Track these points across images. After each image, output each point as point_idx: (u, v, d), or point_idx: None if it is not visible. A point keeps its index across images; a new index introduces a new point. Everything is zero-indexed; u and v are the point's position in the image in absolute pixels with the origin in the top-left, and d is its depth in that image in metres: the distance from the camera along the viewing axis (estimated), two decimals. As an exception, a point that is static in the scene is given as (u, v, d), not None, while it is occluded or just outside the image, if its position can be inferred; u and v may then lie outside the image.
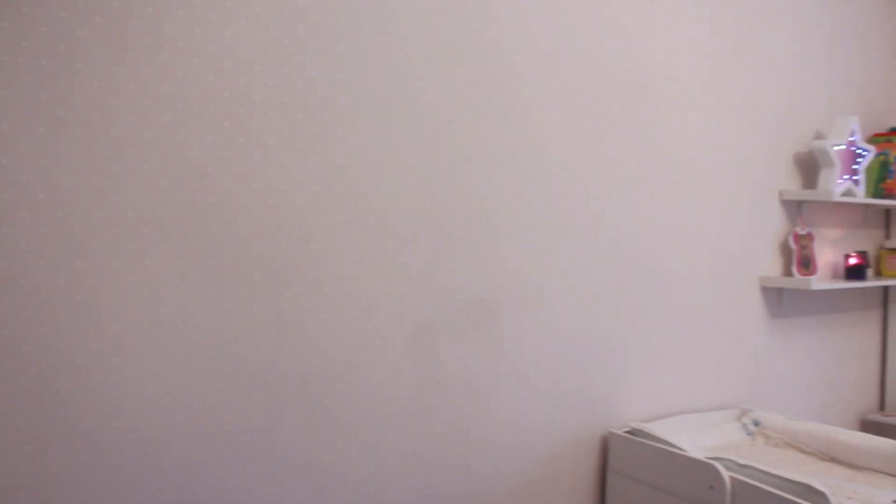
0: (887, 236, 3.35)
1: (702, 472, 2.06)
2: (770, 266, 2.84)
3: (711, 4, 2.63)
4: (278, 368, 1.77)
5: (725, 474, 2.00)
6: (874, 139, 3.16)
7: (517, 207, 2.15)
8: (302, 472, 1.82)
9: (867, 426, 3.24)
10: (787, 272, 2.86)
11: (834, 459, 2.42)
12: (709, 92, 2.63)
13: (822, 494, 1.85)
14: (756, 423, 2.62)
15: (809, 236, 2.85)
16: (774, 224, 2.85)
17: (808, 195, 2.83)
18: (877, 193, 3.05)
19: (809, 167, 2.94)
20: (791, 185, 2.90)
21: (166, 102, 1.60)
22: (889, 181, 3.07)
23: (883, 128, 3.28)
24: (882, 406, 3.38)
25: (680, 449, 2.15)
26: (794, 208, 2.91)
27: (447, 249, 2.02)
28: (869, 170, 2.99)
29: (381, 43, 1.89)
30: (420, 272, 1.98)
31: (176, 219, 1.63)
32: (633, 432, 2.34)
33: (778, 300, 2.87)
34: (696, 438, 2.47)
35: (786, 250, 2.86)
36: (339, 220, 1.84)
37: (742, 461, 2.06)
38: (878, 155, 3.04)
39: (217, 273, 1.68)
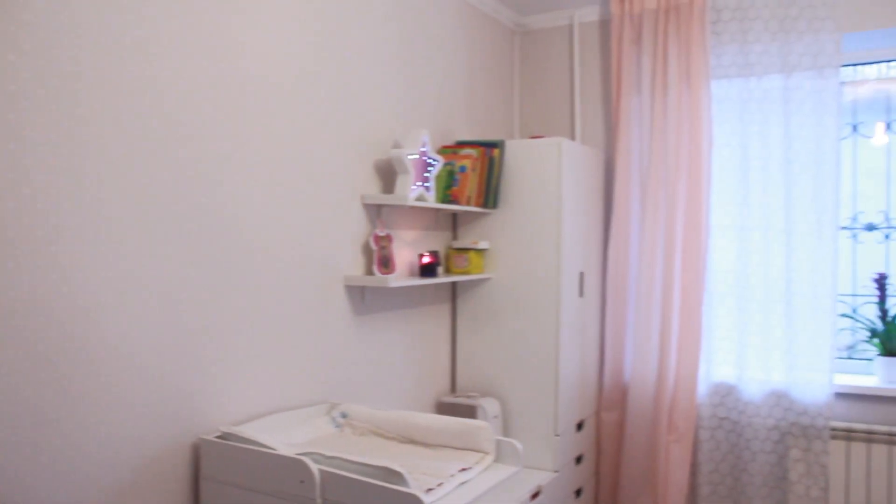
0: (455, 237, 3.75)
1: (292, 468, 2.11)
2: (353, 265, 3.01)
3: (304, 14, 2.72)
4: None
5: (314, 467, 2.08)
6: (443, 150, 3.52)
7: (88, 205, 2.01)
8: None
9: (442, 407, 3.60)
10: (369, 271, 3.06)
11: (412, 441, 2.64)
12: (300, 97, 2.71)
13: (399, 474, 2.01)
14: (344, 416, 2.76)
15: (388, 237, 3.07)
16: (357, 226, 3.03)
17: (387, 199, 3.05)
18: (445, 199, 3.40)
19: (388, 173, 3.17)
20: (372, 189, 3.11)
21: None
22: (455, 188, 3.44)
23: (450, 141, 3.67)
24: (453, 388, 3.78)
25: (270, 448, 2.19)
26: (374, 211, 3.12)
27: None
28: (438, 178, 3.32)
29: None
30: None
31: None
32: (224, 436, 2.32)
33: (361, 298, 3.06)
34: (287, 436, 2.53)
35: (368, 251, 3.06)
36: None
37: (329, 453, 2.16)
38: (445, 165, 3.39)
39: None
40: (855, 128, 3.98)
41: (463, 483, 2.31)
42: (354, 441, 2.61)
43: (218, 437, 2.33)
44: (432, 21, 3.55)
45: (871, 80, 3.97)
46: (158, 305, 2.21)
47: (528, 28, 4.38)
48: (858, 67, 3.95)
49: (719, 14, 3.76)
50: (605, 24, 4.17)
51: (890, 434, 3.55)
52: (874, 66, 3.92)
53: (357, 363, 3.06)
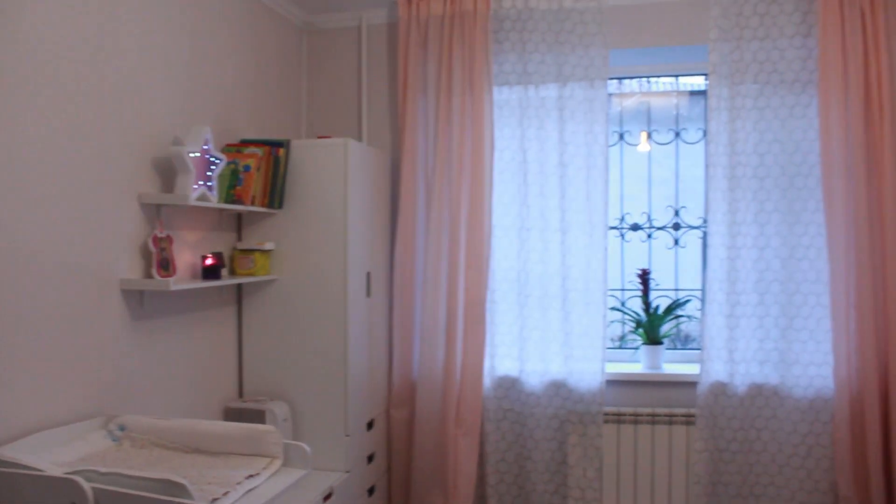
0: (239, 238, 3.65)
1: (62, 490, 1.97)
2: (130, 268, 2.84)
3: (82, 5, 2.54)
4: None
5: (86, 486, 1.95)
6: (226, 149, 3.41)
7: None
8: None
9: (230, 413, 3.48)
10: (148, 274, 2.90)
11: (197, 450, 2.54)
12: (67, 87, 2.52)
13: (181, 486, 1.94)
14: (122, 428, 2.60)
15: (169, 239, 2.93)
16: (134, 227, 2.86)
17: (167, 199, 2.91)
18: (228, 199, 3.29)
19: (168, 172, 3.02)
20: (150, 188, 2.95)
21: None
22: (239, 188, 3.34)
23: (234, 139, 3.56)
24: (241, 393, 3.67)
25: (36, 469, 2.03)
26: (153, 211, 2.96)
27: None
28: (221, 177, 3.20)
29: None
30: None
31: None
32: (-18, 459, 2.12)
33: (140, 302, 2.89)
34: (57, 455, 2.33)
35: (146, 253, 2.90)
36: None
37: (105, 469, 2.04)
38: (229, 163, 3.28)
39: None
40: (622, 136, 4.33)
41: (251, 490, 2.27)
42: (134, 454, 2.47)
43: (-26, 460, 2.12)
44: (217, 15, 3.43)
45: (636, 92, 4.35)
46: None
47: (317, 27, 4.34)
48: (624, 81, 4.32)
49: (501, 24, 3.93)
50: (392, 27, 4.22)
51: (653, 415, 3.88)
52: (637, 80, 4.31)
53: (136, 372, 2.89)
